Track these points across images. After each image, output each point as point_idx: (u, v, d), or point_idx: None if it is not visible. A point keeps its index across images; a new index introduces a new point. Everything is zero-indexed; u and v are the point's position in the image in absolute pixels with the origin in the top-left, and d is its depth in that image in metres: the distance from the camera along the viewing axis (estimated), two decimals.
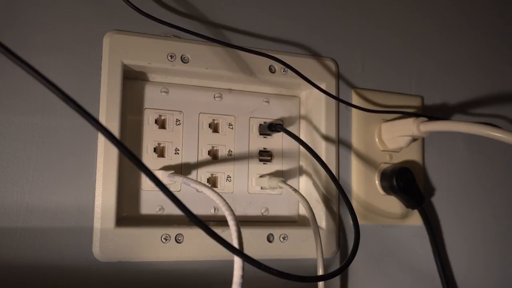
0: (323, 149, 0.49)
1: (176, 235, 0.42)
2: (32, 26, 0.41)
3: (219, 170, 0.47)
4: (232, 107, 0.48)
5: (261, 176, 0.48)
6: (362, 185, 0.50)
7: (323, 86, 0.49)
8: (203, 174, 0.46)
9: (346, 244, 0.49)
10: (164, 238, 0.42)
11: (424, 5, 0.57)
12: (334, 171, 0.48)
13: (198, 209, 0.46)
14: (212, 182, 0.47)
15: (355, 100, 0.51)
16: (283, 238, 0.46)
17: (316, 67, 0.50)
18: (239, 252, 0.30)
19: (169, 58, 0.44)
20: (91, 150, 0.41)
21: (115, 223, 0.40)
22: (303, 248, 0.46)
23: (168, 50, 0.44)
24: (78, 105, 0.25)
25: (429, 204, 0.54)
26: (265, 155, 0.49)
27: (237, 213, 0.36)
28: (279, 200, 0.49)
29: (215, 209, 0.46)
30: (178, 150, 0.46)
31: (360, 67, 0.53)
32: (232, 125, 0.48)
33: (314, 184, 0.49)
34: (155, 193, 0.44)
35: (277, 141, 0.50)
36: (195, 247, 0.43)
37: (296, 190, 0.45)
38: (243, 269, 0.30)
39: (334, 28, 0.52)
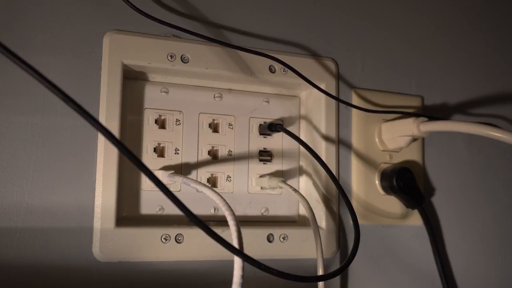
0: (323, 149, 0.49)
1: (176, 235, 0.42)
2: (32, 26, 0.41)
3: (219, 170, 0.47)
4: (232, 107, 0.48)
5: (261, 176, 0.48)
6: (362, 185, 0.50)
7: (323, 86, 0.49)
8: (203, 174, 0.46)
9: (346, 244, 0.49)
10: (164, 238, 0.42)
11: (424, 5, 0.57)
12: (334, 171, 0.48)
13: (198, 209, 0.46)
14: (212, 182, 0.47)
15: (355, 100, 0.51)
16: (283, 238, 0.46)
17: (316, 67, 0.50)
18: (239, 252, 0.30)
19: (169, 58, 0.44)
20: (91, 150, 0.41)
21: (115, 223, 0.40)
22: (303, 248, 0.46)
23: (168, 50, 0.44)
24: (78, 105, 0.25)
25: (429, 204, 0.54)
26: (265, 155, 0.49)
27: (237, 213, 0.36)
28: (279, 200, 0.49)
29: (215, 209, 0.46)
30: (178, 150, 0.46)
31: (360, 67, 0.53)
32: (232, 125, 0.48)
33: (314, 184, 0.49)
34: (155, 193, 0.44)
35: (277, 141, 0.50)
36: (195, 247, 0.43)
37: (296, 190, 0.45)
38: (243, 269, 0.30)
39: (334, 28, 0.52)
